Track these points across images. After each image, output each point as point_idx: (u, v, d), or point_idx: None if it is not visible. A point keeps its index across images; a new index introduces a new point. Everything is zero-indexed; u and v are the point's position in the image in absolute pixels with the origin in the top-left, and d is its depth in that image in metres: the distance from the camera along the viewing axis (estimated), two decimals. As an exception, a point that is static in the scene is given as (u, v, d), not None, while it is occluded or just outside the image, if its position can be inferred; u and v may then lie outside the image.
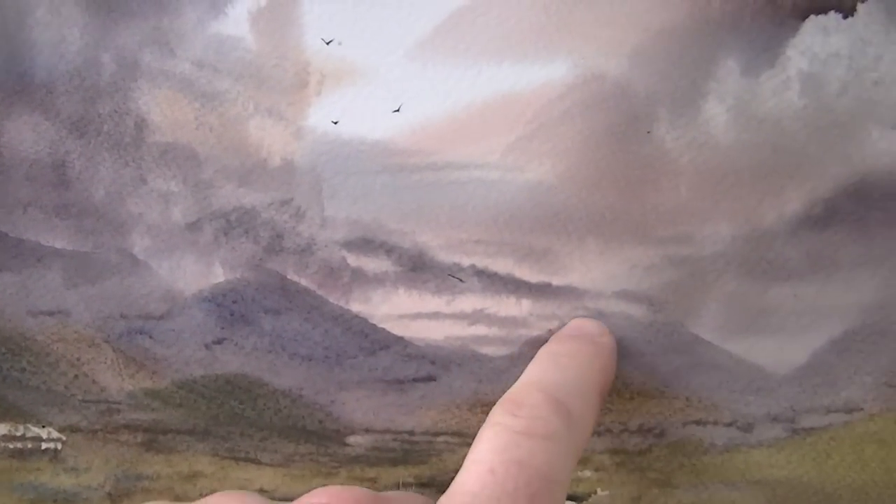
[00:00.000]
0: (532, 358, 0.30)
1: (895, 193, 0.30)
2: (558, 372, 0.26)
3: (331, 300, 0.30)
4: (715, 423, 0.30)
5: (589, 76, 0.30)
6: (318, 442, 0.31)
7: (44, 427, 0.32)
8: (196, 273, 0.30)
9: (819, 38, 0.30)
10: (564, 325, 0.30)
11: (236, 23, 0.30)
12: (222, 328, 0.30)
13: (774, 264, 0.30)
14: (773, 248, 0.30)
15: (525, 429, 0.23)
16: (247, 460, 0.31)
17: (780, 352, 0.30)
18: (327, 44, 0.30)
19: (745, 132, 0.30)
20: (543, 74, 0.30)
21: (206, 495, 0.24)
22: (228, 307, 0.30)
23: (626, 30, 0.30)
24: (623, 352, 0.30)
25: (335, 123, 0.30)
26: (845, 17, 0.30)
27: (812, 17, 0.30)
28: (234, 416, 0.31)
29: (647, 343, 0.30)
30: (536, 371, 0.26)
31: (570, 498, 0.32)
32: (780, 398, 0.30)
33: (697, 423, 0.30)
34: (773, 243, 0.30)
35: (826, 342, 0.30)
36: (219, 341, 0.30)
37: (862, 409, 0.30)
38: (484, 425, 0.24)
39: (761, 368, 0.30)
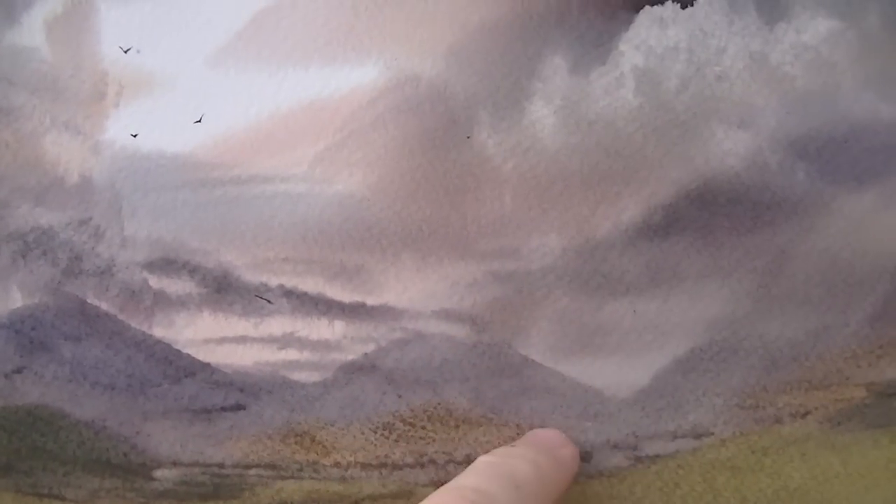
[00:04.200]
0: (345, 383, 0.29)
1: (742, 198, 0.27)
2: (513, 491, 0.23)
3: (133, 325, 0.28)
4: (548, 451, 0.28)
5: (402, 78, 0.27)
6: (124, 476, 0.29)
7: None
8: (-7, 298, 0.29)
9: (655, 30, 0.28)
10: (381, 348, 0.28)
11: (31, 32, 0.29)
12: (21, 356, 0.29)
13: (610, 278, 0.28)
14: (609, 260, 0.28)
15: None
16: (51, 496, 0.29)
17: (620, 373, 0.28)
18: (125, 52, 0.28)
19: (575, 135, 0.28)
20: (353, 78, 0.28)
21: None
22: (27, 334, 0.29)
23: (442, 27, 0.28)
24: (446, 375, 0.28)
25: (134, 136, 0.28)
26: (683, 6, 0.28)
27: (647, 7, 0.28)
28: (36, 450, 0.29)
29: (472, 366, 0.28)
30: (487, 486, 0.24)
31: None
32: (620, 424, 0.28)
33: (529, 451, 0.28)
34: (608, 255, 0.27)
35: (670, 362, 0.28)
36: (18, 370, 0.29)
37: (712, 433, 0.28)
38: None
39: (599, 392, 0.28)
